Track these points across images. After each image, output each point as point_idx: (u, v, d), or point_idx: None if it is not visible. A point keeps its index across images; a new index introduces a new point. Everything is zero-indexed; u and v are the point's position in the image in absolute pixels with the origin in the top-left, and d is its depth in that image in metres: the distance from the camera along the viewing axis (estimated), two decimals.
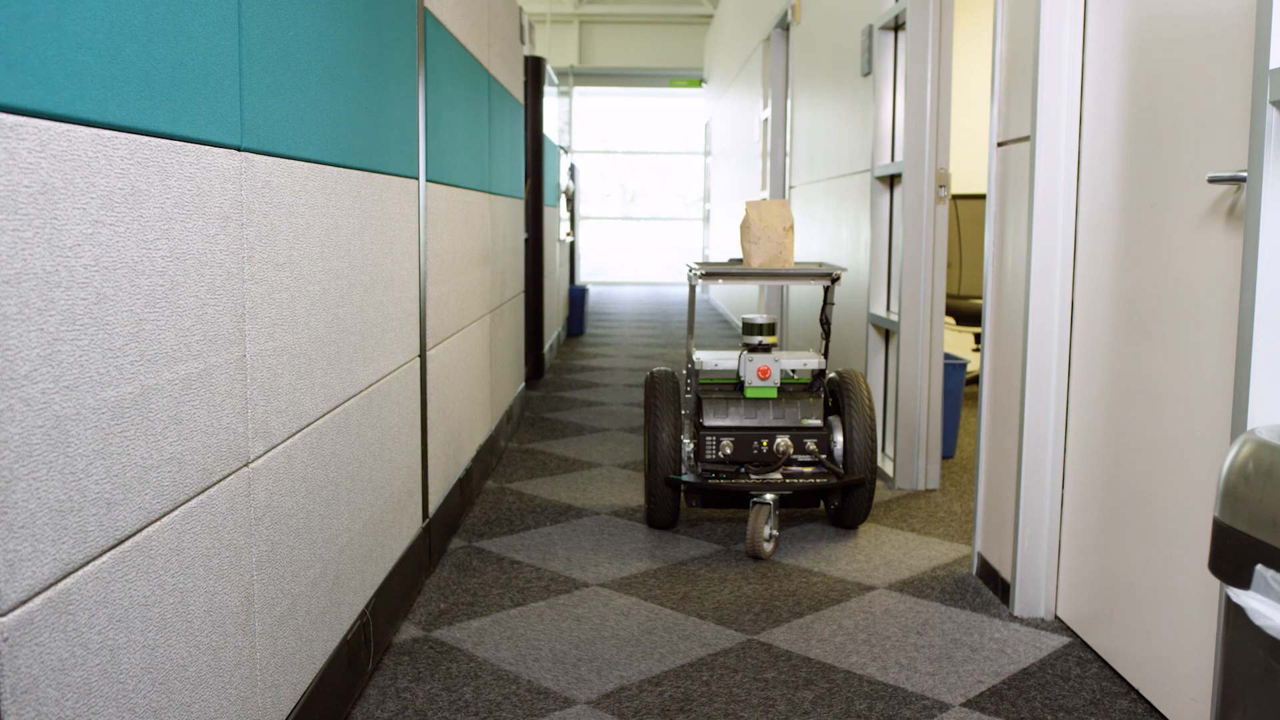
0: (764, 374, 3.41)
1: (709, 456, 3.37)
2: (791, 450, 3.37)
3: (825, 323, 3.69)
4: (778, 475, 3.33)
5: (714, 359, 3.56)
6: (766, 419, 3.40)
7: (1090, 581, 2.60)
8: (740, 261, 3.66)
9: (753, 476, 3.33)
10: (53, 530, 1.15)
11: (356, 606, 2.32)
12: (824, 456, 3.40)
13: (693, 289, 3.68)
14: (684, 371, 3.64)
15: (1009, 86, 2.93)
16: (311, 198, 1.98)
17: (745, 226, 3.51)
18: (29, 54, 1.09)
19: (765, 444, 3.38)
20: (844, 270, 3.61)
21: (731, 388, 3.54)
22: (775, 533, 3.28)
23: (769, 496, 3.27)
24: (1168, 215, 2.20)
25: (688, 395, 3.55)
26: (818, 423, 3.42)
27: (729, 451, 3.37)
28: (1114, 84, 2.46)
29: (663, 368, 3.60)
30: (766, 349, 3.50)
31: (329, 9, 2.08)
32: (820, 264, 3.60)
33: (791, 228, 3.51)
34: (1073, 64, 2.63)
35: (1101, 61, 2.53)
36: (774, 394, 3.45)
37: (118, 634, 1.28)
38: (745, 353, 3.51)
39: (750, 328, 3.51)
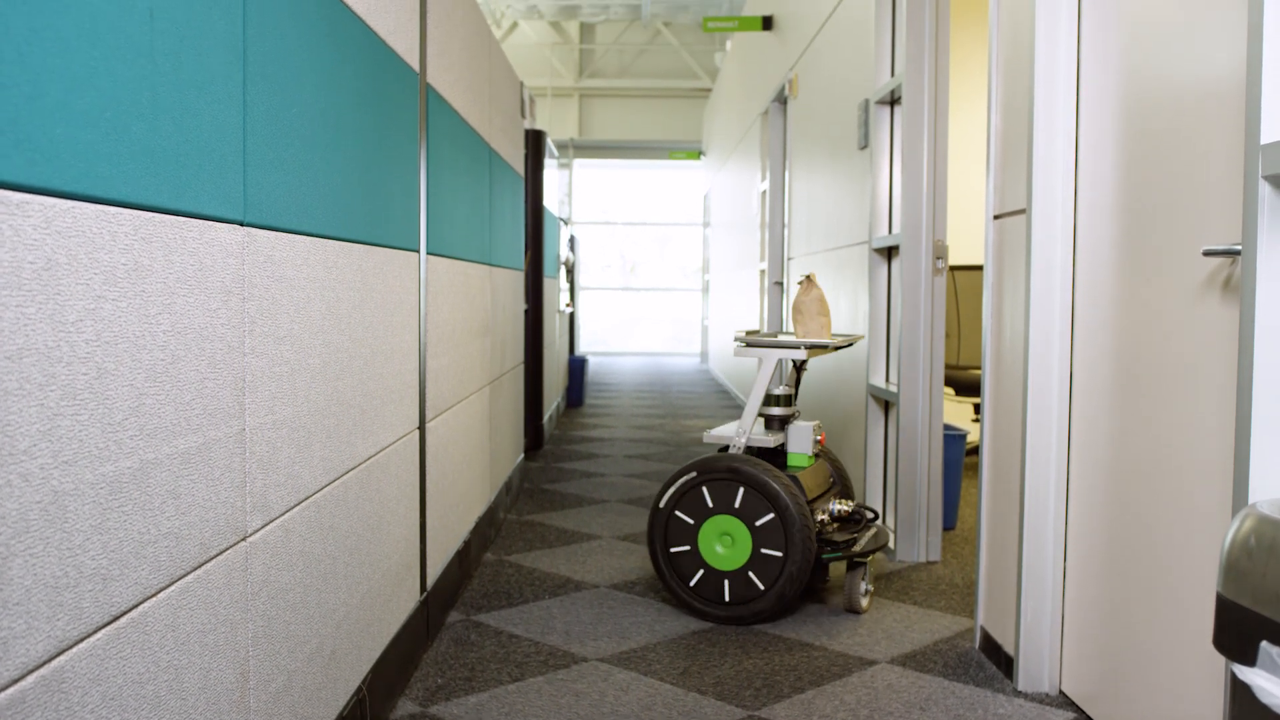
0: (824, 441, 3.56)
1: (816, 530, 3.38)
2: (852, 509, 3.52)
3: (797, 385, 3.74)
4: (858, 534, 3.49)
5: (758, 433, 3.56)
6: (822, 484, 3.51)
7: (1094, 655, 2.57)
8: (763, 333, 3.78)
9: (861, 539, 3.46)
10: (48, 607, 1.14)
11: (353, 682, 2.29)
12: (860, 505, 3.60)
13: (776, 365, 3.54)
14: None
15: (1004, 160, 2.96)
16: (313, 271, 1.99)
17: (816, 299, 3.54)
18: (37, 132, 1.10)
19: (833, 507, 3.51)
20: (861, 336, 3.79)
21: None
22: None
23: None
24: (1164, 287, 2.22)
25: None
26: (833, 479, 3.63)
27: (827, 520, 3.44)
28: (1108, 157, 2.49)
29: (729, 451, 3.44)
30: (787, 420, 3.60)
31: (332, 85, 2.11)
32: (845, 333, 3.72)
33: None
34: (1067, 138, 2.67)
35: (1096, 135, 2.56)
36: (812, 461, 3.54)
37: (111, 712, 1.27)
38: (793, 424, 3.57)
39: (772, 399, 3.61)
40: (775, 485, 3.25)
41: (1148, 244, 2.29)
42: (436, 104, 3.12)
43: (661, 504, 3.40)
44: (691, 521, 3.36)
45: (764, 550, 3.27)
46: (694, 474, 3.36)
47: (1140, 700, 2.33)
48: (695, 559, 3.35)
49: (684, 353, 17.54)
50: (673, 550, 3.38)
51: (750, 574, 3.29)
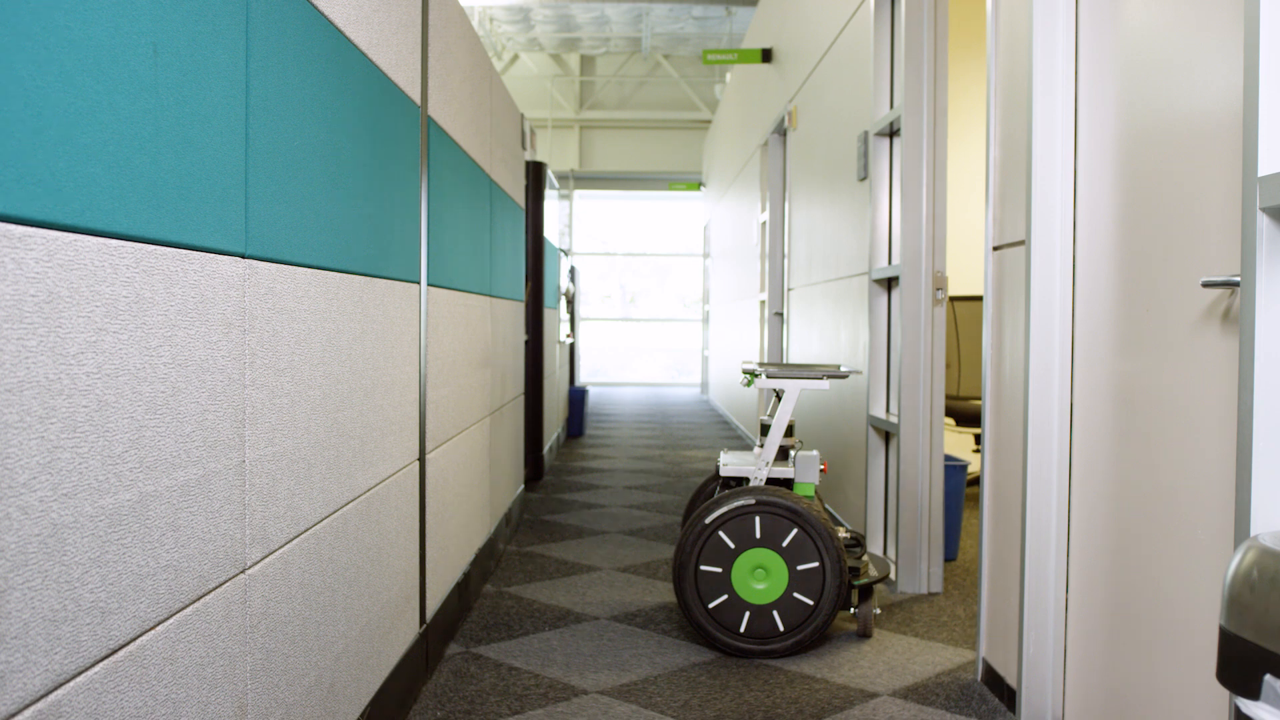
0: (826, 471, 3.68)
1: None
2: (850, 534, 3.62)
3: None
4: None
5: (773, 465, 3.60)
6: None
7: (1097, 688, 2.55)
8: (764, 363, 3.80)
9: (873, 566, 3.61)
10: (45, 640, 1.13)
11: (352, 715, 2.28)
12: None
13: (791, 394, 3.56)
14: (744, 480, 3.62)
15: (1003, 192, 2.97)
16: (314, 303, 1.99)
17: None
18: (40, 166, 1.11)
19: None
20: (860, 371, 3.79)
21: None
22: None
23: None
24: (1164, 318, 2.22)
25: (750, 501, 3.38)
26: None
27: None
28: (1107, 188, 2.50)
29: (750, 483, 3.47)
30: (788, 450, 3.63)
31: (334, 118, 2.12)
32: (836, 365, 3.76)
33: None
34: (1065, 169, 2.68)
35: (1094, 167, 2.57)
36: (813, 490, 3.58)
37: None
38: (799, 453, 3.60)
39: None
40: (829, 537, 3.27)
41: (1147, 275, 2.30)
42: (438, 136, 3.14)
43: (708, 520, 3.31)
44: (733, 546, 3.30)
45: (797, 595, 3.27)
46: (751, 501, 3.30)
47: None
48: (724, 583, 3.30)
49: (684, 383, 17.54)
50: (703, 568, 3.31)
51: (775, 613, 3.28)
